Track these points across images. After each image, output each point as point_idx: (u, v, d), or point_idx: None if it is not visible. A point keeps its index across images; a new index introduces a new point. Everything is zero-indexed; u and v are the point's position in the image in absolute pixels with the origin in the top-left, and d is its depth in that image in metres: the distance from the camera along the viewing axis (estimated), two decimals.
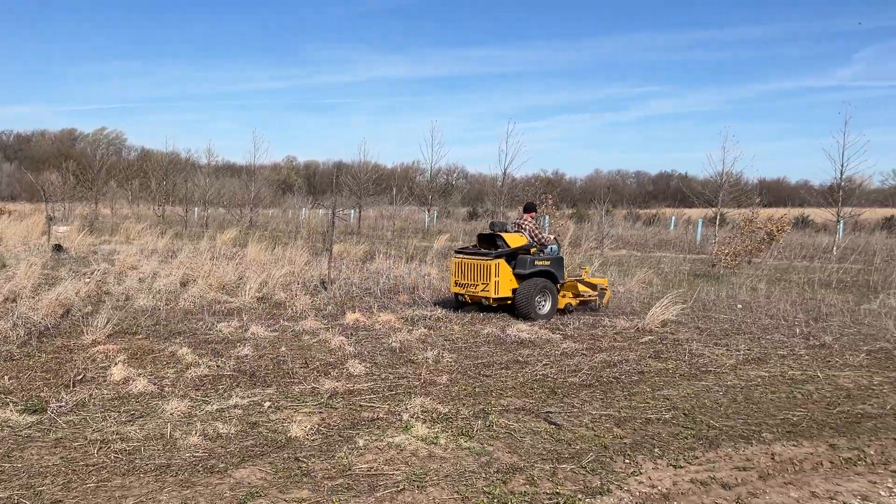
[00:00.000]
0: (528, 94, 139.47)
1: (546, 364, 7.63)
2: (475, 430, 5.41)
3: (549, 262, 10.70)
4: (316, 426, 5.40)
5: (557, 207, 24.53)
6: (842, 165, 25.32)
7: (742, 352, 8.52)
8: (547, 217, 26.99)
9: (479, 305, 10.88)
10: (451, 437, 5.22)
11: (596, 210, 35.84)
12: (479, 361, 7.67)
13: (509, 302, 10.58)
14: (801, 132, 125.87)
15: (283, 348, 8.00)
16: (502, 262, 10.43)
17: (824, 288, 15.14)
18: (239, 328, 8.96)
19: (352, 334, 8.83)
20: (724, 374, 7.45)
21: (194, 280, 12.55)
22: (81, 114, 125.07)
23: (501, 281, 10.38)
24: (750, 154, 57.85)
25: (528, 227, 11.15)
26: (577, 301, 11.05)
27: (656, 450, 5.11)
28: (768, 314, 11.26)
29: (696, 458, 4.98)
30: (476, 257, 10.66)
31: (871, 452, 5.19)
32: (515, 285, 10.50)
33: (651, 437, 5.42)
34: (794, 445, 5.30)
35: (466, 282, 10.73)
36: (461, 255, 10.94)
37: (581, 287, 11.19)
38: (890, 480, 4.70)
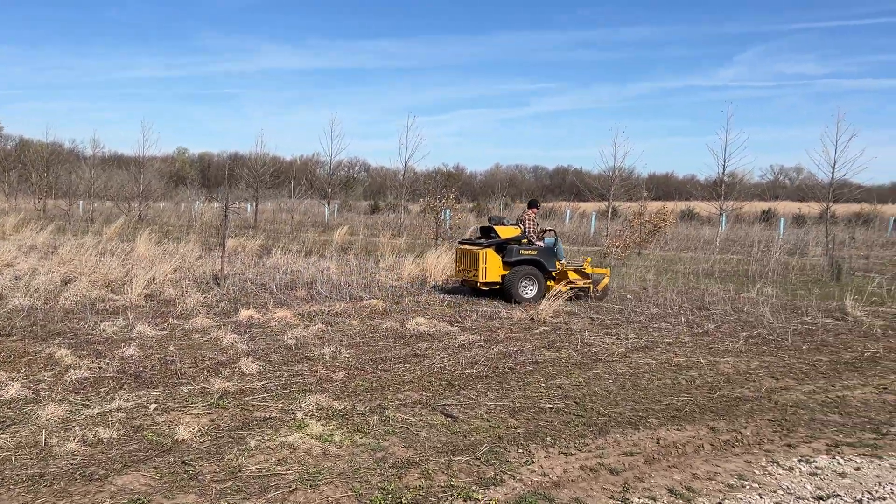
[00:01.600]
0: (430, 88, 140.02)
1: (444, 357, 7.67)
2: (371, 425, 5.36)
3: (535, 252, 11.78)
4: (205, 428, 5.21)
5: (458, 201, 24.70)
6: (724, 161, 26.69)
7: (631, 340, 8.84)
8: (448, 210, 27.20)
9: (475, 290, 12.08)
10: (346, 434, 5.16)
11: (495, 204, 36.40)
12: (378, 356, 7.62)
13: (498, 286, 11.68)
14: (689, 130, 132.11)
15: (172, 347, 7.68)
16: (490, 251, 11.63)
17: (707, 278, 15.95)
18: (124, 327, 8.55)
19: (245, 331, 8.59)
20: (613, 363, 7.70)
21: (77, 277, 11.89)
22: None
23: (489, 268, 11.60)
24: (641, 150, 60.67)
25: (523, 218, 12.43)
26: (567, 288, 11.60)
27: (548, 438, 5.22)
28: (656, 303, 11.74)
29: (587, 444, 5.12)
30: (471, 247, 12.00)
31: (748, 434, 5.48)
32: (504, 272, 11.64)
33: (544, 425, 5.53)
34: (677, 430, 5.53)
35: (464, 268, 12.15)
36: (462, 245, 12.43)
37: (572, 275, 11.98)
38: (764, 459, 4.98)
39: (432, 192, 25.55)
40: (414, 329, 9.01)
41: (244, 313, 9.55)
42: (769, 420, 5.86)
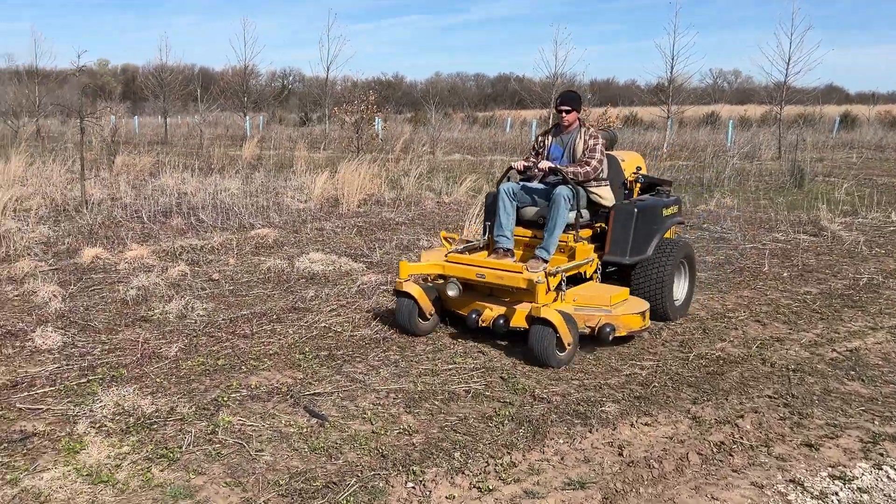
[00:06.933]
0: None
1: (333, 310, 5.77)
2: (187, 444, 3.49)
3: None
4: None
5: (379, 108, 22.41)
6: (672, 61, 24.85)
7: None
8: (379, 120, 24.90)
9: None
10: (141, 466, 3.27)
11: (435, 114, 33.99)
12: (242, 313, 5.67)
13: None
14: (628, 35, 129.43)
15: None
16: None
17: None
18: None
19: (78, 280, 6.53)
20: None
21: None
22: None
23: None
24: (581, 55, 57.99)
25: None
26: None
27: (457, 455, 3.44)
28: None
29: (514, 465, 3.36)
30: None
31: (747, 426, 3.79)
32: None
33: (453, 426, 3.74)
34: (646, 423, 3.81)
35: None
36: None
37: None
38: (780, 476, 3.29)
39: (351, 100, 23.14)
40: (305, 268, 7.06)
41: (88, 253, 7.44)
42: (770, 397, 4.18)
